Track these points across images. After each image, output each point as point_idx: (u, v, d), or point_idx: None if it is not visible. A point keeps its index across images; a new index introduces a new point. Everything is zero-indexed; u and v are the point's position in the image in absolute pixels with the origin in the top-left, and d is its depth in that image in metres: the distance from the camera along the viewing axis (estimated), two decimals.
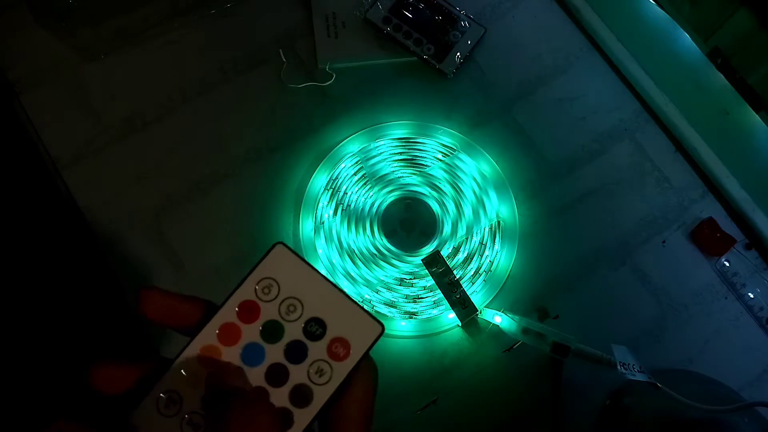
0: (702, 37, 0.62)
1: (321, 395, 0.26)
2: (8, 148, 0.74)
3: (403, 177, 0.66)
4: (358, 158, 0.66)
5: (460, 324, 0.61)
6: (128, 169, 0.65)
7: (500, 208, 0.65)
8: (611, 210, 0.67)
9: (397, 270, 0.64)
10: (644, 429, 0.56)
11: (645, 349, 0.62)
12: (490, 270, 0.63)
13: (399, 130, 0.67)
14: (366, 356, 0.27)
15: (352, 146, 0.66)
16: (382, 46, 0.70)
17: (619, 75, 0.72)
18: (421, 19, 0.69)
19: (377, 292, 0.62)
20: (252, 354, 0.26)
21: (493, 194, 0.65)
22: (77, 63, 0.67)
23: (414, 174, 0.66)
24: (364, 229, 0.65)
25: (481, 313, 0.61)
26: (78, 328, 0.80)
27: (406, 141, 0.67)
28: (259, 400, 0.25)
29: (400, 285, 0.63)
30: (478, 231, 0.64)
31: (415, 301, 0.62)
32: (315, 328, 0.27)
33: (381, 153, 0.66)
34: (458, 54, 0.69)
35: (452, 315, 0.60)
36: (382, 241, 0.65)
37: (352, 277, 0.62)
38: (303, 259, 0.28)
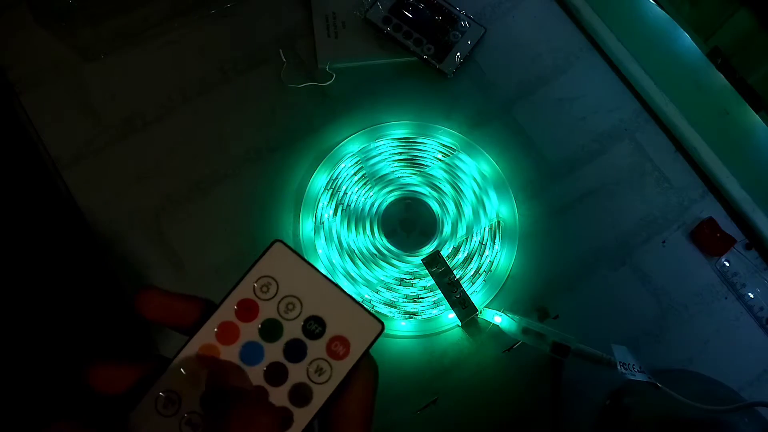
0: (702, 37, 0.62)
1: (320, 394, 0.26)
2: (8, 148, 0.74)
3: (403, 177, 0.66)
4: (358, 158, 0.66)
5: (460, 324, 0.61)
6: (128, 169, 0.65)
7: (500, 208, 0.65)
8: (611, 210, 0.67)
9: (397, 270, 0.63)
10: (644, 429, 0.56)
11: (645, 349, 0.62)
12: (490, 270, 0.63)
13: (399, 130, 0.67)
14: (366, 355, 0.27)
15: (352, 146, 0.66)
16: (382, 46, 0.70)
17: (619, 75, 0.72)
18: (421, 19, 0.69)
19: (377, 292, 0.62)
20: (251, 353, 0.26)
21: (493, 194, 0.65)
22: (77, 63, 0.67)
23: (414, 174, 0.66)
24: (364, 229, 0.65)
25: (481, 313, 0.61)
26: (77, 328, 0.80)
27: (406, 141, 0.67)
28: (261, 401, 0.25)
29: (400, 285, 0.63)
30: (478, 231, 0.64)
31: (415, 301, 0.62)
32: (314, 326, 0.27)
33: (381, 153, 0.66)
34: (458, 54, 0.69)
35: (452, 315, 0.60)
36: (382, 241, 0.65)
37: (352, 277, 0.62)
38: (302, 257, 0.27)
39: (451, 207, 0.65)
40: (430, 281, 0.62)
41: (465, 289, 0.60)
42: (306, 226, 0.64)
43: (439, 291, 0.61)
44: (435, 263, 0.61)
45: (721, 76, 0.62)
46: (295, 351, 0.26)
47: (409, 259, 0.64)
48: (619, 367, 0.53)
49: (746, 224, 0.67)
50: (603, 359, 0.56)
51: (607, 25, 0.72)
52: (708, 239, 0.65)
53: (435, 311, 0.62)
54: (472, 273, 0.63)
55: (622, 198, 0.67)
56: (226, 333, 0.26)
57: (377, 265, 0.63)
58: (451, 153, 0.66)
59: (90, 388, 0.25)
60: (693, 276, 0.65)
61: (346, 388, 0.26)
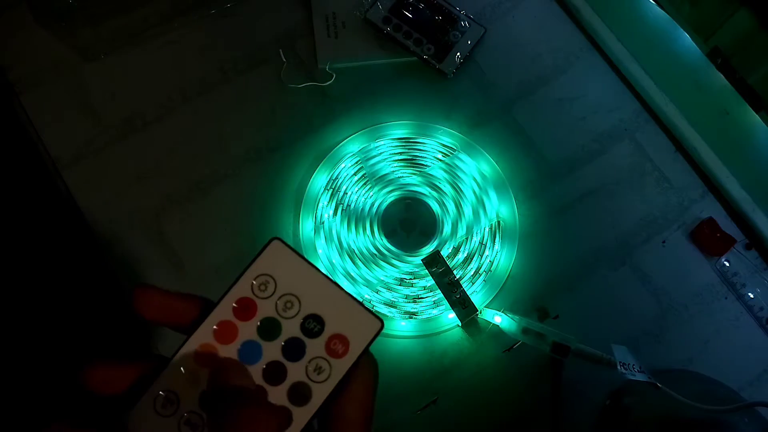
0: (702, 37, 0.62)
1: (320, 393, 0.26)
2: (8, 148, 0.74)
3: (403, 177, 0.66)
4: (358, 158, 0.66)
5: (460, 324, 0.60)
6: (128, 169, 0.65)
7: (500, 208, 0.65)
8: (611, 210, 0.67)
9: (397, 270, 0.63)
10: (644, 429, 0.56)
11: (645, 349, 0.62)
12: (490, 270, 0.63)
13: (399, 130, 0.67)
14: (365, 353, 0.26)
15: (352, 146, 0.66)
16: (382, 46, 0.70)
17: (619, 75, 0.72)
18: (421, 19, 0.69)
19: (377, 292, 0.62)
20: (249, 352, 0.26)
21: (493, 194, 0.65)
22: (77, 63, 0.67)
23: (414, 174, 0.66)
24: (364, 229, 0.65)
25: (481, 313, 0.61)
26: (77, 328, 0.80)
27: (406, 141, 0.67)
28: (265, 401, 0.25)
29: (400, 285, 0.63)
30: (478, 231, 0.64)
31: (415, 301, 0.62)
32: (313, 324, 0.27)
33: (381, 153, 0.66)
34: (458, 54, 0.69)
35: (452, 315, 0.60)
36: (382, 241, 0.65)
37: (352, 277, 0.62)
38: (300, 255, 0.27)
39: (451, 207, 0.65)
40: (430, 281, 0.61)
41: (465, 289, 0.60)
42: (306, 226, 0.64)
43: (439, 291, 0.61)
44: (435, 263, 0.61)
45: (721, 76, 0.62)
46: (294, 350, 0.26)
47: (409, 259, 0.64)
48: (619, 367, 0.53)
49: (746, 224, 0.67)
50: (603, 359, 0.56)
51: (607, 25, 0.72)
52: (708, 239, 0.65)
53: (435, 311, 0.62)
54: (472, 273, 0.63)
55: (622, 198, 0.67)
56: (225, 332, 0.26)
57: (377, 265, 0.63)
58: (451, 153, 0.66)
59: (89, 388, 0.25)
60: (693, 276, 0.65)
61: (346, 386, 0.26)
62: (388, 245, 0.65)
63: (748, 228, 0.67)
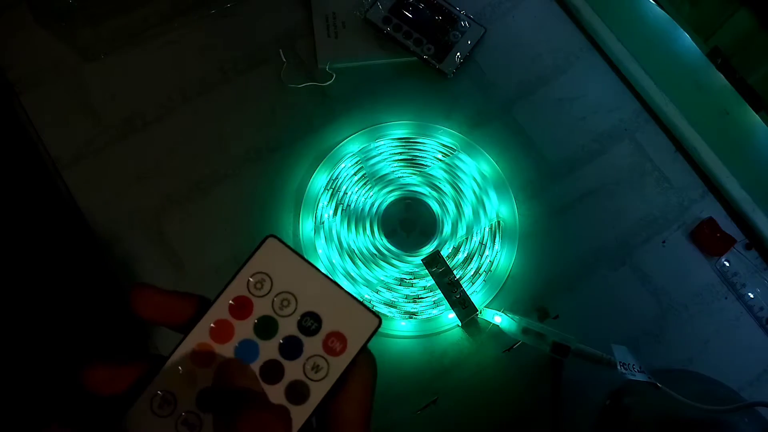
0: (702, 37, 0.62)
1: (318, 391, 0.26)
2: (8, 148, 0.74)
3: (403, 177, 0.66)
4: (358, 158, 0.66)
5: (460, 324, 0.60)
6: (128, 169, 0.65)
7: (500, 208, 0.65)
8: (611, 210, 0.67)
9: (397, 270, 0.63)
10: (644, 429, 0.56)
11: (645, 349, 0.62)
12: (490, 270, 0.63)
13: (399, 130, 0.67)
14: (363, 350, 0.26)
15: (352, 146, 0.66)
16: (382, 46, 0.70)
17: (619, 75, 0.71)
18: (421, 19, 0.69)
19: (377, 292, 0.62)
20: (246, 351, 0.26)
21: (493, 194, 0.65)
22: (77, 63, 0.67)
23: (414, 174, 0.66)
24: (364, 229, 0.65)
25: (481, 313, 0.61)
26: (77, 328, 0.79)
27: (406, 141, 0.67)
28: (272, 404, 0.25)
29: (400, 285, 0.63)
30: (478, 231, 0.64)
31: (415, 301, 0.62)
32: (310, 322, 0.26)
33: (381, 153, 0.66)
34: (458, 54, 0.69)
35: (452, 315, 0.60)
36: (382, 241, 0.65)
37: (352, 277, 0.62)
38: (296, 252, 0.27)
39: (451, 207, 0.65)
40: (430, 281, 0.61)
41: (465, 289, 0.60)
42: (306, 226, 0.64)
43: (439, 291, 0.61)
44: (435, 263, 0.61)
45: (721, 76, 0.62)
46: (291, 348, 0.26)
47: (409, 259, 0.64)
48: (619, 367, 0.53)
49: (746, 224, 0.67)
50: (603, 359, 0.56)
51: (607, 25, 0.72)
52: (708, 239, 0.65)
53: (435, 311, 0.62)
54: (472, 273, 0.63)
55: (622, 198, 0.67)
56: (221, 331, 0.26)
57: (377, 265, 0.63)
58: (451, 153, 0.66)
59: (89, 388, 0.25)
60: (693, 276, 0.65)
61: (344, 385, 0.26)
62: (388, 245, 0.65)
63: (748, 228, 0.67)
